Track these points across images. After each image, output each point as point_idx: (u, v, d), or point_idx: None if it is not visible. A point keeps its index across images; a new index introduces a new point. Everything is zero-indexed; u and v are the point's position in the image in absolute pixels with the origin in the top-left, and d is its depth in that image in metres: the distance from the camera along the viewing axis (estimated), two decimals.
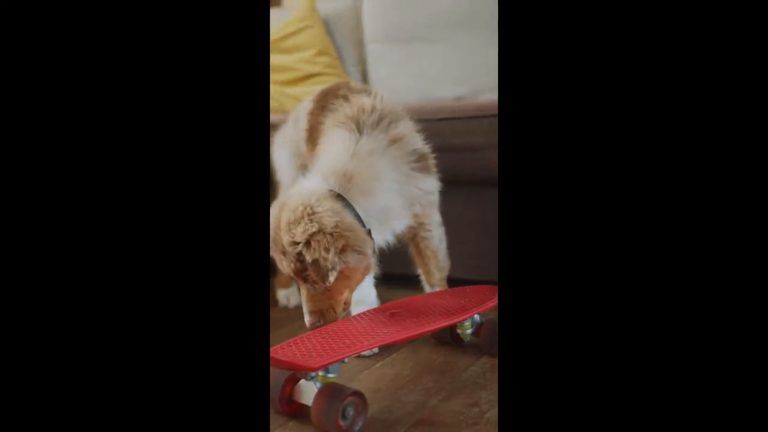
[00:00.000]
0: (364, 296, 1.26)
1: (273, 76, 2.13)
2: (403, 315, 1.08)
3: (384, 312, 1.10)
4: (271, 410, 0.98)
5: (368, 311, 1.12)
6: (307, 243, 0.96)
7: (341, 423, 0.87)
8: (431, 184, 1.19)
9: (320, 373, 0.92)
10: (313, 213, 0.98)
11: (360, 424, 0.90)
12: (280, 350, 0.90)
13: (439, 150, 1.56)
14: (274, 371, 0.95)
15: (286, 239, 0.98)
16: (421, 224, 1.23)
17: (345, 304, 1.07)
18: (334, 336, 0.97)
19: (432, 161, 1.20)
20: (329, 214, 0.98)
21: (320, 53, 2.12)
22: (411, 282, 1.66)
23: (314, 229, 0.96)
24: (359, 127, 1.11)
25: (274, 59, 2.14)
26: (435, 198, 1.21)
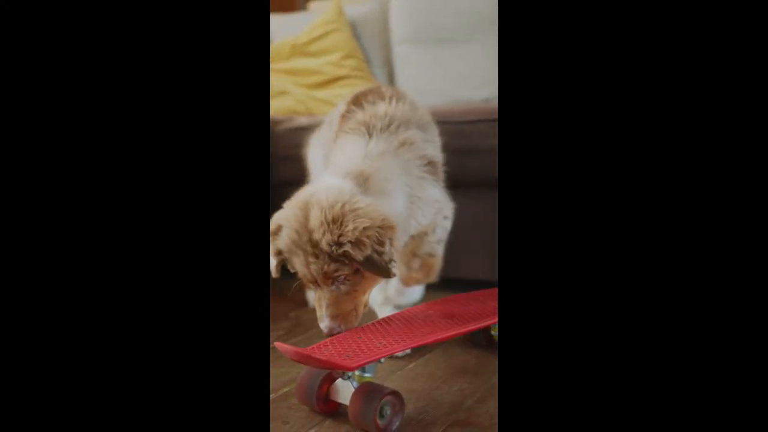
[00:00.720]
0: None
1: (300, 80, 2.14)
2: (438, 316, 1.07)
3: (419, 313, 1.10)
4: (308, 409, 0.98)
5: (402, 312, 1.12)
6: (357, 241, 0.91)
7: (379, 422, 0.88)
8: (440, 192, 1.16)
9: (356, 372, 0.93)
10: (356, 209, 0.93)
11: (397, 423, 0.90)
12: (317, 349, 0.91)
13: (468, 152, 1.56)
14: (311, 370, 0.96)
15: (325, 239, 0.92)
16: (423, 234, 1.17)
17: (363, 306, 1.03)
18: (370, 336, 0.97)
19: (441, 171, 1.17)
20: (373, 207, 0.95)
21: (347, 56, 2.13)
22: (444, 284, 1.66)
23: (366, 224, 0.92)
24: (369, 131, 1.10)
25: (301, 63, 2.16)
26: (441, 206, 1.16)
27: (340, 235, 0.91)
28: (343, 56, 2.13)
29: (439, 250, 1.22)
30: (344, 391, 0.93)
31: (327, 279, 0.94)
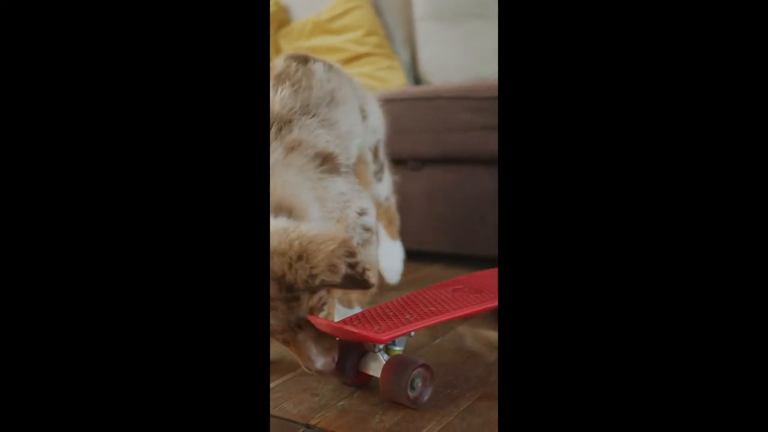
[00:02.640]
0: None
1: (322, 57, 2.12)
2: (466, 291, 1.08)
3: (447, 288, 1.11)
4: (337, 382, 1.00)
5: (431, 287, 1.13)
6: (329, 266, 0.85)
7: (410, 393, 0.89)
8: (344, 183, 1.06)
9: (387, 345, 0.94)
10: (311, 239, 0.87)
11: (428, 395, 0.92)
12: (348, 322, 0.92)
13: (492, 128, 1.55)
14: (341, 343, 0.97)
15: (300, 276, 0.85)
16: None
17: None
18: (400, 310, 0.98)
19: (338, 159, 1.06)
20: (321, 231, 0.89)
21: (369, 33, 2.11)
22: (469, 260, 1.67)
23: (332, 246, 0.86)
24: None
25: (323, 40, 2.15)
26: (348, 197, 1.07)
27: (312, 267, 0.85)
28: (365, 33, 2.11)
29: (371, 256, 1.13)
30: (375, 363, 0.94)
31: (315, 311, 0.89)
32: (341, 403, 0.93)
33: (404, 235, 1.84)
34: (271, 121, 1.02)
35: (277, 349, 1.11)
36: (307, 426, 0.87)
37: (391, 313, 0.96)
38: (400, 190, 1.81)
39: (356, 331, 0.88)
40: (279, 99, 1.05)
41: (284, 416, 0.90)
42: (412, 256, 1.84)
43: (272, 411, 0.91)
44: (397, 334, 0.88)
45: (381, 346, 0.93)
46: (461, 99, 1.65)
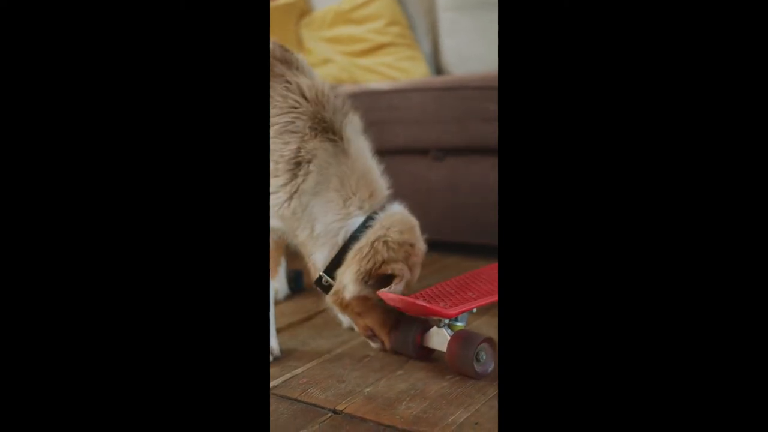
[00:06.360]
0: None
1: (344, 48, 2.10)
2: None
3: None
4: (363, 369, 1.00)
5: (488, 267, 1.15)
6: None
7: (476, 365, 0.93)
8: None
9: (450, 321, 0.97)
10: (410, 229, 1.02)
11: (491, 367, 0.95)
12: (415, 298, 0.95)
13: None
14: (406, 319, 1.00)
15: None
16: None
17: None
18: (460, 288, 1.02)
19: None
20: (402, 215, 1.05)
21: (391, 23, 2.09)
22: (493, 251, 1.60)
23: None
24: (334, 129, 0.96)
25: (345, 30, 2.13)
26: None
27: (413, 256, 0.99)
28: (386, 23, 2.09)
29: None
30: (439, 338, 0.97)
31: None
32: (368, 389, 0.92)
33: (424, 226, 1.77)
34: (336, 96, 1.01)
35: (301, 337, 1.13)
36: (334, 411, 0.86)
37: (453, 291, 1.00)
38: (422, 180, 1.76)
39: (426, 305, 0.91)
40: (311, 74, 1.05)
41: (311, 402, 0.89)
42: (432, 246, 1.77)
43: (299, 396, 0.91)
44: (464, 309, 0.92)
45: (446, 321, 0.96)
46: (487, 89, 1.63)
